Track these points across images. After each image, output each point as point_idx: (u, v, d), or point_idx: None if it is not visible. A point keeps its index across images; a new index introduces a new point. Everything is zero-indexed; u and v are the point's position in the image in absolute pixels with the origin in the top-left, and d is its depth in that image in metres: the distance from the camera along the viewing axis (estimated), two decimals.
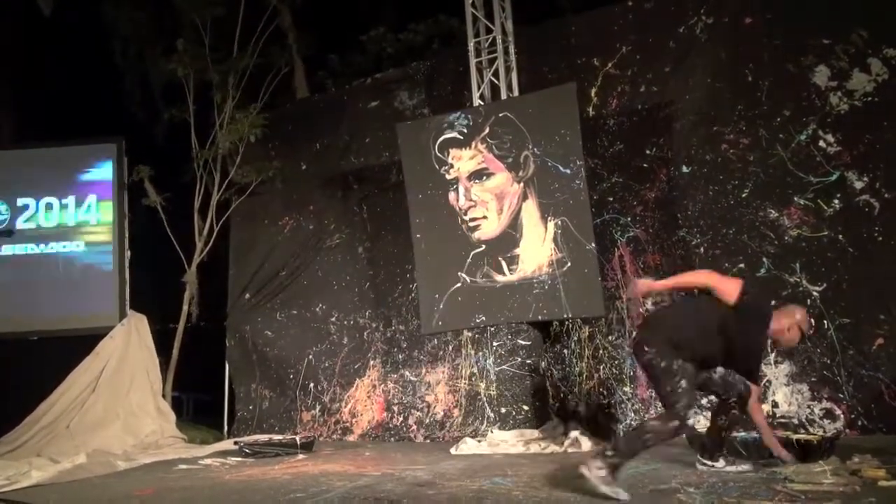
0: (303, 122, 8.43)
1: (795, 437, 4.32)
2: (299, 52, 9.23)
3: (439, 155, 6.37)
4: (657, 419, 3.78)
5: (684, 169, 6.01)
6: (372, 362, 7.43)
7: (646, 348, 3.75)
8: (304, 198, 8.24)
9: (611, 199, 6.28)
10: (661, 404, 3.80)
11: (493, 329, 6.24)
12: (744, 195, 5.72)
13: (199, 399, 10.09)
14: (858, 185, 5.27)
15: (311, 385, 7.74)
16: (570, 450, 5.30)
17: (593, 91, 6.44)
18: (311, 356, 7.82)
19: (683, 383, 3.62)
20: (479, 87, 6.61)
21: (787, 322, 3.81)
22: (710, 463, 4.02)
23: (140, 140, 8.82)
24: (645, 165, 6.18)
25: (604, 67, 6.42)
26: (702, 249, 5.84)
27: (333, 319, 7.79)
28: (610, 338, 6.13)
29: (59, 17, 8.75)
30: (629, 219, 6.20)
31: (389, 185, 7.56)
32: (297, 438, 6.27)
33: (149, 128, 9.48)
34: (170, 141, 8.92)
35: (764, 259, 5.58)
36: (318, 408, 7.63)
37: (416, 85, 7.59)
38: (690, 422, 3.80)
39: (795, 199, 5.49)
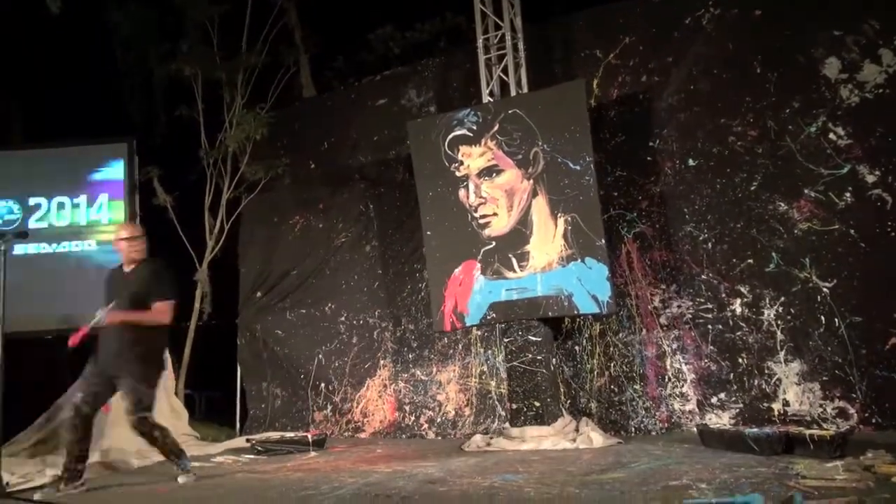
0: (311, 121, 8.45)
1: (809, 432, 4.30)
2: (306, 51, 9.24)
3: (449, 152, 6.36)
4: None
5: (691, 162, 5.97)
6: (382, 362, 7.44)
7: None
8: (313, 196, 8.25)
9: (616, 193, 6.25)
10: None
11: (503, 326, 6.23)
12: (752, 188, 5.67)
13: (211, 397, 10.15)
14: (870, 178, 5.21)
15: (322, 385, 7.75)
16: (581, 446, 5.30)
17: (595, 82, 6.42)
18: (320, 356, 7.84)
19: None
20: (488, 84, 6.59)
21: None
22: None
23: (147, 140, 8.87)
24: (649, 158, 6.15)
25: (606, 58, 6.39)
26: (710, 245, 5.81)
27: (343, 319, 7.80)
28: (620, 335, 6.12)
29: (67, 16, 8.77)
30: (635, 214, 6.17)
31: (397, 182, 7.57)
32: (309, 436, 6.30)
33: (155, 127, 9.52)
34: (176, 141, 8.95)
35: (773, 254, 5.53)
36: (329, 408, 7.64)
37: (425, 82, 7.59)
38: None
39: (805, 191, 5.43)
